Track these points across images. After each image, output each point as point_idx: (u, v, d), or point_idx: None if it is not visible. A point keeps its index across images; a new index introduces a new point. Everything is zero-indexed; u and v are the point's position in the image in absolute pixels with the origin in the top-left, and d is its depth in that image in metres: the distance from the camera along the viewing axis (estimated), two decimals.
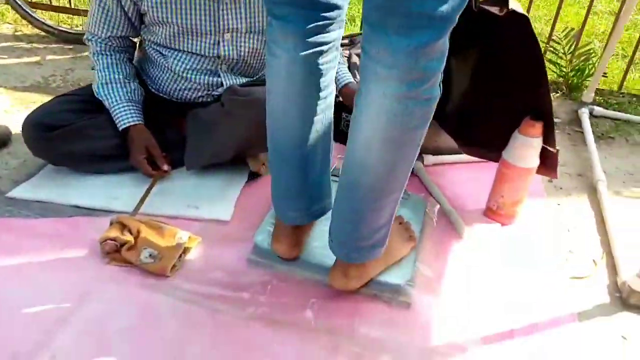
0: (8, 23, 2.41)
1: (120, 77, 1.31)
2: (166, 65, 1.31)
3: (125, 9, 1.25)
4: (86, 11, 2.44)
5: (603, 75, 1.97)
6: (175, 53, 1.30)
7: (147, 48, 1.35)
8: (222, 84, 1.35)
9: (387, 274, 1.05)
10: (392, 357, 0.94)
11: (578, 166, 1.61)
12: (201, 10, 1.22)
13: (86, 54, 2.12)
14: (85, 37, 1.34)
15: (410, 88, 0.76)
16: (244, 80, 1.37)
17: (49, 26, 2.24)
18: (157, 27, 1.25)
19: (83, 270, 1.06)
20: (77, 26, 2.44)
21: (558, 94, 2.06)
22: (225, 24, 1.24)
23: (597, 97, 2.02)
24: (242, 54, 1.31)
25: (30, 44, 2.21)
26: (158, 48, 1.32)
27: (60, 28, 2.27)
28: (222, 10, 1.22)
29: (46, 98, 1.52)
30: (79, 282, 1.03)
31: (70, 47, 2.21)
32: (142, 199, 1.24)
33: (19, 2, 2.19)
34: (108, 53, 1.33)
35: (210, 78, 1.34)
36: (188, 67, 1.31)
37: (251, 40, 1.30)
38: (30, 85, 1.90)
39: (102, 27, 1.28)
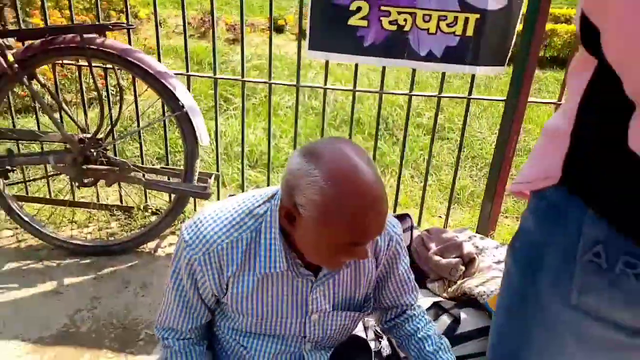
0: (7, 228, 2.25)
1: None
2: (248, 357, 1.18)
3: (206, 302, 1.12)
4: (65, 201, 2.38)
5: None
6: (256, 342, 1.16)
7: (221, 334, 1.20)
8: None
9: None
10: None
11: None
12: (290, 298, 1.11)
13: (107, 270, 2.05)
14: (158, 335, 1.18)
15: None
16: (326, 354, 1.25)
17: (61, 241, 2.11)
18: (238, 316, 1.12)
19: None
20: (95, 237, 2.34)
21: None
22: (313, 306, 1.13)
23: None
24: (329, 332, 1.19)
25: (41, 262, 2.06)
26: (236, 337, 1.17)
27: (75, 242, 2.12)
28: (312, 294, 1.12)
29: (80, 354, 1.33)
30: None
31: (89, 261, 2.08)
32: None
33: (25, 218, 2.10)
34: (188, 350, 1.16)
35: None
36: (270, 352, 1.18)
37: (338, 318, 1.18)
38: (58, 333, 1.72)
39: (183, 320, 1.14)
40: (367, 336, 1.78)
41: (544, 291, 0.64)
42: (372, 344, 1.74)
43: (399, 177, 2.29)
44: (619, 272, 0.56)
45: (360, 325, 1.81)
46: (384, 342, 1.73)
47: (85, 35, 1.81)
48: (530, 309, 0.67)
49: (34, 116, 2.32)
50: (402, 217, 2.22)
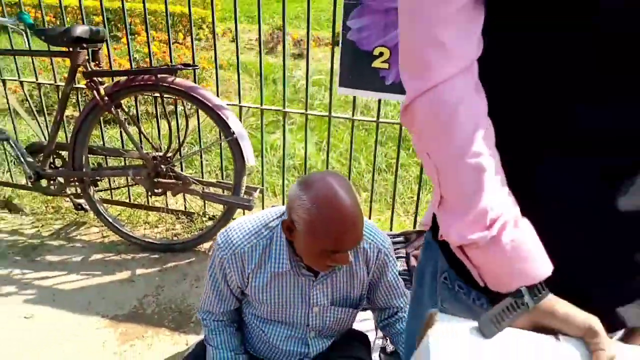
0: (94, 226, 2.76)
1: (232, 354, 1.51)
2: (265, 338, 1.52)
3: (233, 292, 1.48)
4: (141, 205, 2.85)
5: None
6: (272, 327, 1.51)
7: (247, 320, 1.56)
8: (307, 354, 1.55)
9: None
10: None
11: None
12: (295, 292, 1.44)
13: (170, 264, 2.48)
14: (199, 316, 1.55)
15: None
16: (328, 342, 1.58)
17: (136, 238, 2.57)
18: (258, 304, 1.47)
19: None
20: (163, 237, 2.81)
21: None
22: (314, 300, 1.45)
23: None
24: (328, 322, 1.50)
25: (119, 255, 2.54)
26: (257, 322, 1.52)
27: (147, 240, 2.58)
28: (312, 290, 1.44)
29: (144, 330, 1.73)
30: None
31: (157, 256, 2.52)
32: None
33: (109, 219, 2.57)
34: (221, 329, 1.52)
35: (299, 348, 1.53)
36: (282, 336, 1.51)
37: (335, 312, 1.49)
38: (129, 312, 2.16)
39: (217, 305, 1.50)
40: (376, 334, 2.07)
41: (425, 297, 0.95)
42: (379, 341, 2.05)
43: (418, 197, 2.57)
44: (457, 291, 0.86)
45: (371, 325, 2.12)
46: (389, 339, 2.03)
47: (159, 75, 2.25)
48: (421, 307, 0.98)
49: (118, 129, 2.83)
50: (420, 233, 2.50)
